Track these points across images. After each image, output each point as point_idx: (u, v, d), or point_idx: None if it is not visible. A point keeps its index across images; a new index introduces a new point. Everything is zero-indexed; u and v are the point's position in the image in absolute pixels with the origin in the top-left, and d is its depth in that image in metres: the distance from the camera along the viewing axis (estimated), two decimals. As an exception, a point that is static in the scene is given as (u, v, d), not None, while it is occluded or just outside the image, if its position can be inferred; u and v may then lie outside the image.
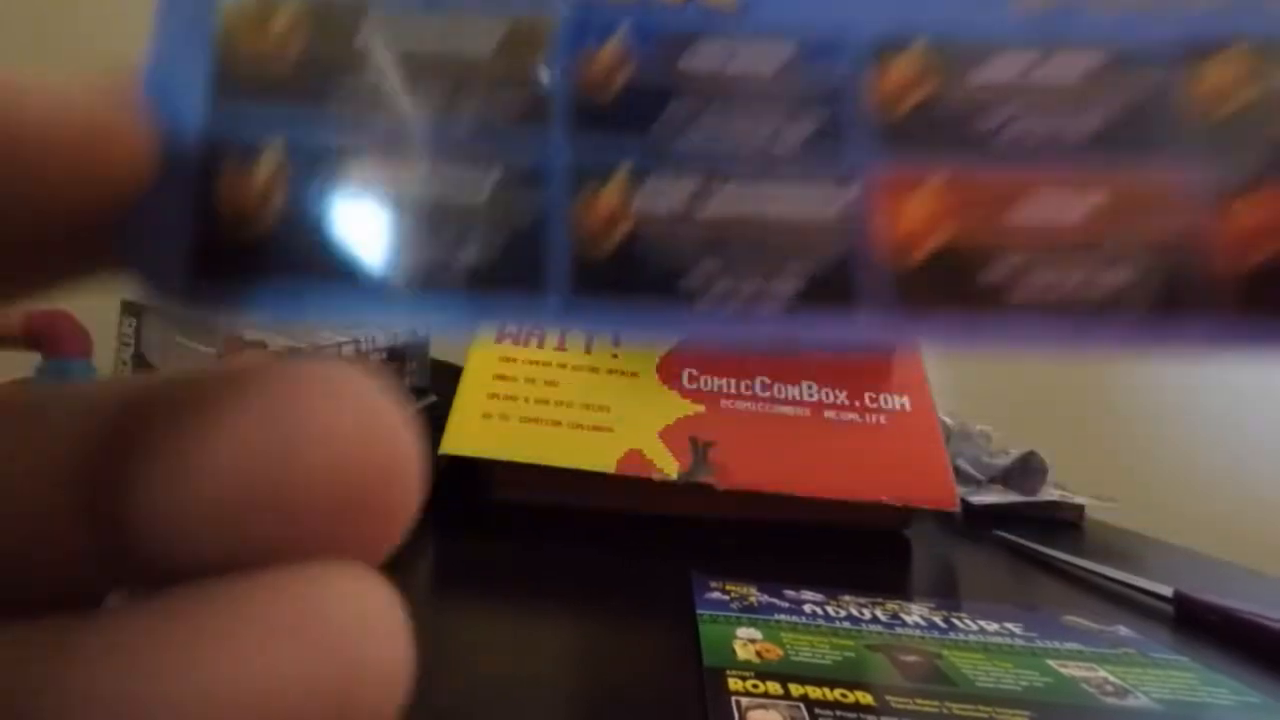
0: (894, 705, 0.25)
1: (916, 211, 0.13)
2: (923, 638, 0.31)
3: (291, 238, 0.12)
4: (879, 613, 0.34)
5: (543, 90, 0.14)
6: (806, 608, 0.34)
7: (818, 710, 0.24)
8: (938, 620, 0.34)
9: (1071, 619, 0.36)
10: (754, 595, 0.35)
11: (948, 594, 0.39)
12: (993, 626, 0.34)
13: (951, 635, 0.32)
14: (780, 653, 0.29)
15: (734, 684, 0.26)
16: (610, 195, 0.13)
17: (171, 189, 0.12)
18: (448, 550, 0.38)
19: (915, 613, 0.35)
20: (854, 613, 0.34)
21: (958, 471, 0.58)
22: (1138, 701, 0.27)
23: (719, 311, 0.13)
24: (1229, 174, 0.12)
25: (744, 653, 0.28)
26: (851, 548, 0.45)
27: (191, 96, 0.13)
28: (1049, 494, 0.58)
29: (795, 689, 0.26)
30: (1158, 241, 0.12)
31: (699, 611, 0.32)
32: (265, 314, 0.12)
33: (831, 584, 0.37)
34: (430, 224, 0.13)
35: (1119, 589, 0.42)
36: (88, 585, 0.08)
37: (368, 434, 0.07)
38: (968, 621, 0.34)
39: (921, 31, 0.15)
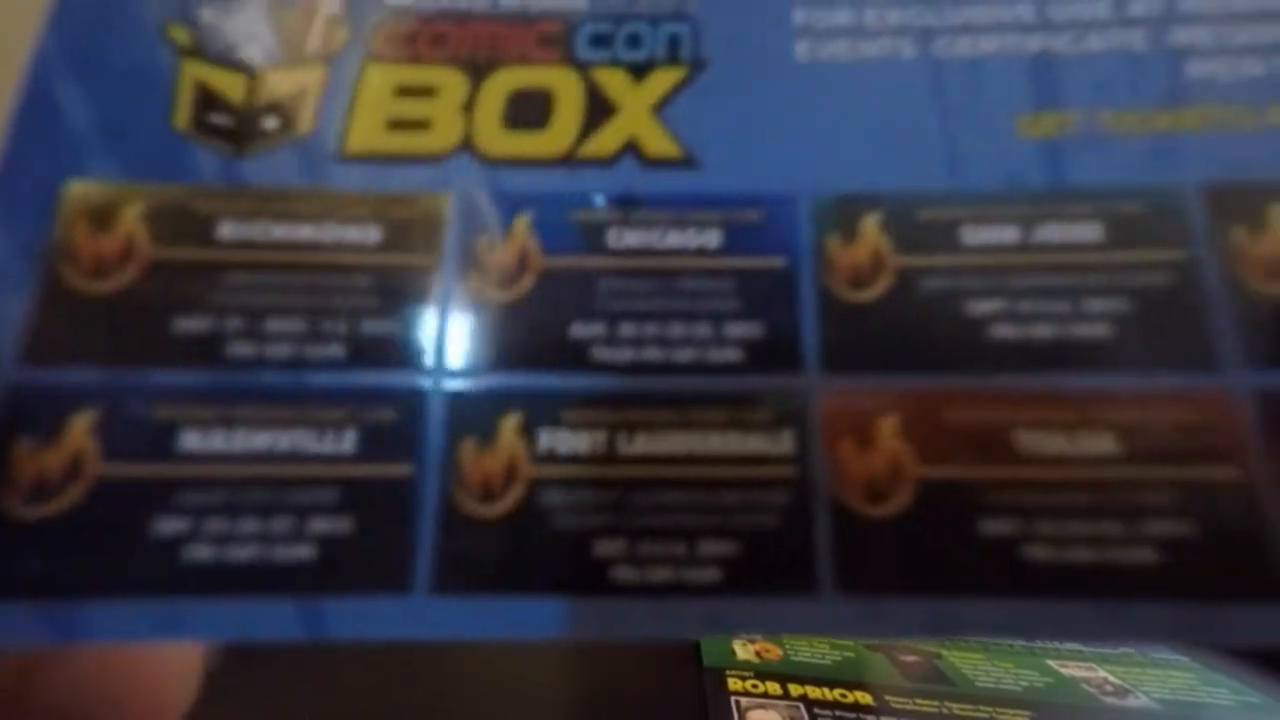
0: (894, 705, 0.25)
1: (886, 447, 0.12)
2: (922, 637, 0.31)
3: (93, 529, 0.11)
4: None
5: (430, 308, 0.13)
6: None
7: (817, 710, 0.24)
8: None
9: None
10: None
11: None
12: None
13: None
14: (780, 652, 0.29)
15: (734, 684, 0.26)
16: (505, 443, 0.12)
17: None
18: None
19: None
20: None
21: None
22: (1138, 701, 0.27)
23: (636, 599, 0.11)
24: None
25: (744, 652, 0.29)
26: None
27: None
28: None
29: (795, 689, 0.26)
30: None
31: (699, 611, 0.32)
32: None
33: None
34: (266, 507, 0.12)
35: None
36: None
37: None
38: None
39: (881, 194, 0.14)
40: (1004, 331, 0.12)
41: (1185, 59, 0.14)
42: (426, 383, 0.12)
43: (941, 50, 0.14)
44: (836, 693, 0.26)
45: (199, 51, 0.14)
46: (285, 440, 0.12)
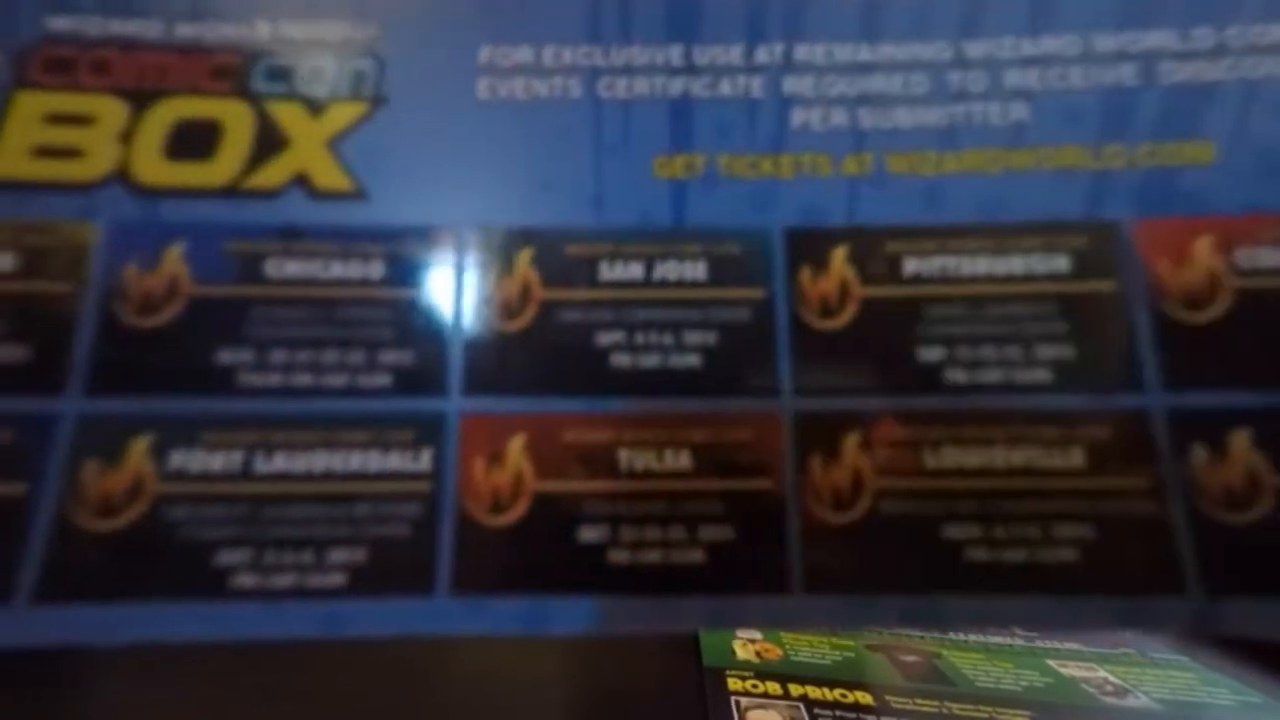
0: (894, 705, 0.25)
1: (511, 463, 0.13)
2: (922, 638, 0.31)
3: None
4: (879, 613, 0.34)
5: (69, 320, 0.13)
6: (806, 608, 0.34)
7: (817, 710, 0.24)
8: (938, 620, 0.34)
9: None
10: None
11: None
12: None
13: (951, 635, 0.32)
14: (780, 653, 0.29)
15: (734, 684, 0.26)
16: (131, 463, 0.13)
17: None
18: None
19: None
20: (854, 613, 0.34)
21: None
22: (1138, 701, 0.27)
23: (254, 603, 0.12)
24: None
25: (744, 652, 0.28)
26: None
27: None
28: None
29: (795, 689, 0.26)
30: None
31: (699, 611, 0.32)
32: None
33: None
34: None
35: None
36: None
37: None
38: (968, 621, 0.34)
39: (536, 232, 0.15)
40: (621, 360, 0.14)
41: (791, 107, 0.15)
42: (54, 407, 0.13)
43: (603, 90, 0.15)
44: (836, 693, 0.26)
45: None
46: None
